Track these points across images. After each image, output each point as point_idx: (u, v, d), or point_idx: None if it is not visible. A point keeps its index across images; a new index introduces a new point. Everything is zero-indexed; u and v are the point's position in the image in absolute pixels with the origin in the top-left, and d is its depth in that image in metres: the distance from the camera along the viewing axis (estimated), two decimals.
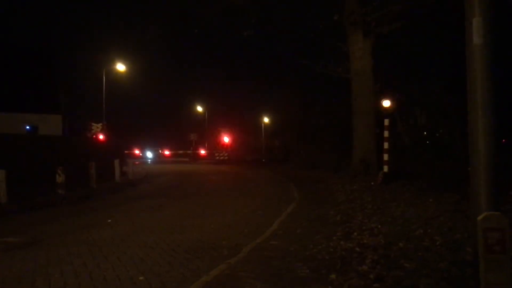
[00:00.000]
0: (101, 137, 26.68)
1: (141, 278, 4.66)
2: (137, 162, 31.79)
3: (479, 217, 3.17)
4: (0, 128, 14.83)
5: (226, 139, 43.97)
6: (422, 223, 6.46)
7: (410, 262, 4.58)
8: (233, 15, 15.93)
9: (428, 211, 7.42)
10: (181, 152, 45.71)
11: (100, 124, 28.30)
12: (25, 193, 11.31)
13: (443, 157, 12.08)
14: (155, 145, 55.19)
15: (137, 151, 51.86)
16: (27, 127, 27.07)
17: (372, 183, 12.16)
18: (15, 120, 25.40)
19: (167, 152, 54.70)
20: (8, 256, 5.69)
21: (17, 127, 23.62)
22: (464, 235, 5.36)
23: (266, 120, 51.86)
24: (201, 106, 54.03)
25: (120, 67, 28.72)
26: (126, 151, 33.53)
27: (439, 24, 15.32)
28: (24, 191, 11.45)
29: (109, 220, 8.45)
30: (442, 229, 5.93)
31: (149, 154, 51.86)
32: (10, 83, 26.46)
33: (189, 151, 43.83)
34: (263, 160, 39.10)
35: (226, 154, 37.48)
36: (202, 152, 43.60)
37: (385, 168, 12.38)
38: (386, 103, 21.68)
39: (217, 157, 37.09)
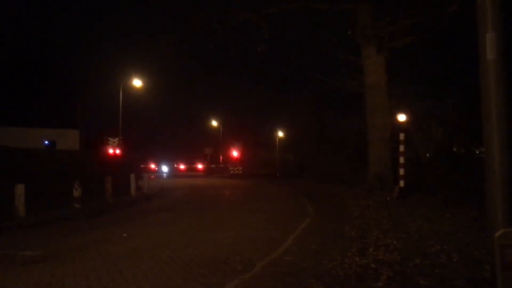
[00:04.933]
0: (117, 151, 26.97)
1: None
2: (152, 176, 32.01)
3: (496, 234, 3.11)
4: (19, 143, 15.11)
5: (236, 153, 44.20)
6: (439, 239, 6.36)
7: (426, 279, 4.51)
8: (247, 31, 16.13)
9: (445, 227, 7.32)
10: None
11: (117, 138, 28.65)
12: (43, 207, 11.48)
13: (460, 171, 11.90)
14: (171, 160, 55.78)
15: (153, 165, 52.42)
16: (46, 142, 27.61)
17: (388, 198, 12.05)
18: (34, 135, 26.00)
19: (182, 166, 55.32)
20: (25, 270, 5.77)
21: (36, 142, 24.10)
22: (482, 251, 5.27)
23: (280, 134, 51.91)
24: (216, 120, 54.50)
25: (137, 82, 29.18)
26: (142, 165, 33.90)
27: (454, 38, 15.25)
28: (42, 204, 11.63)
29: (124, 235, 8.51)
30: (459, 245, 5.84)
31: (165, 168, 52.30)
32: (29, 99, 27.13)
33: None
34: (278, 174, 39.02)
35: (240, 168, 37.54)
36: (199, 166, 44.37)
37: (401, 183, 12.26)
38: (402, 118, 21.54)
39: (231, 171, 37.17)
